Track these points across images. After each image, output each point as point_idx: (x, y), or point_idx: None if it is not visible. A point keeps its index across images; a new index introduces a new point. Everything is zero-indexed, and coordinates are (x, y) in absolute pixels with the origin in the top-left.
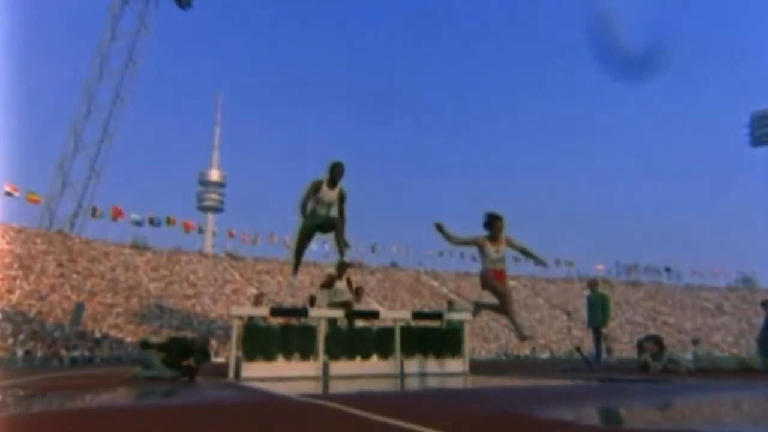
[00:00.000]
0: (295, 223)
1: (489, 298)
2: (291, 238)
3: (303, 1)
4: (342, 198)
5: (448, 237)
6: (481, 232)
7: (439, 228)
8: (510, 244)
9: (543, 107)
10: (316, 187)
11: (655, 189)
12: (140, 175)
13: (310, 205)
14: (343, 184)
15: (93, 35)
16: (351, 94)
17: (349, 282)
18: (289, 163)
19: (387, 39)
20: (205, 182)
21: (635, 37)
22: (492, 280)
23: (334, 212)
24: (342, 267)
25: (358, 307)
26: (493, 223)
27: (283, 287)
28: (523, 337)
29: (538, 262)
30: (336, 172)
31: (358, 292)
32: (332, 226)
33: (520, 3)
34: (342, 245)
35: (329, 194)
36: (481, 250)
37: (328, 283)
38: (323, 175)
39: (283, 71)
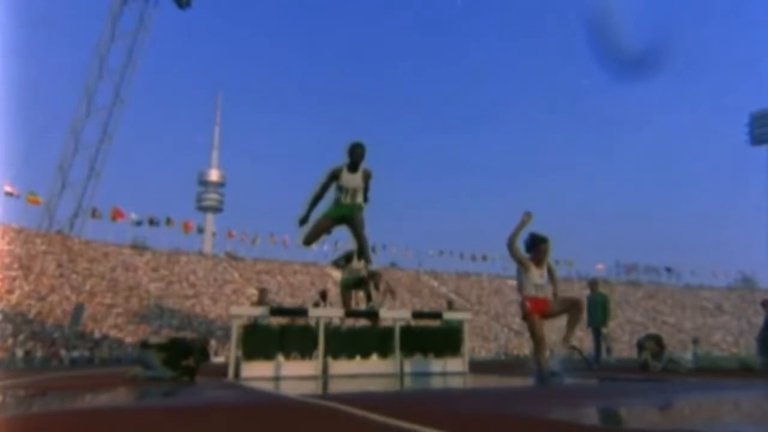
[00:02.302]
0: (295, 219)
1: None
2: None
3: (302, 1)
4: (367, 177)
5: (517, 234)
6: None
7: (527, 218)
8: (548, 268)
9: (542, 106)
10: (334, 175)
11: (655, 188)
12: (140, 175)
13: (334, 194)
14: (365, 164)
15: (93, 35)
16: (352, 93)
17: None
18: (289, 163)
19: (387, 36)
20: (204, 182)
21: (634, 36)
22: (531, 315)
23: (360, 199)
24: (363, 252)
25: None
26: (537, 245)
27: (282, 287)
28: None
29: (554, 291)
30: (356, 155)
31: (375, 277)
32: (354, 225)
33: (521, 3)
34: (366, 255)
35: (352, 179)
36: (525, 272)
37: (346, 258)
38: (343, 160)
39: (283, 71)
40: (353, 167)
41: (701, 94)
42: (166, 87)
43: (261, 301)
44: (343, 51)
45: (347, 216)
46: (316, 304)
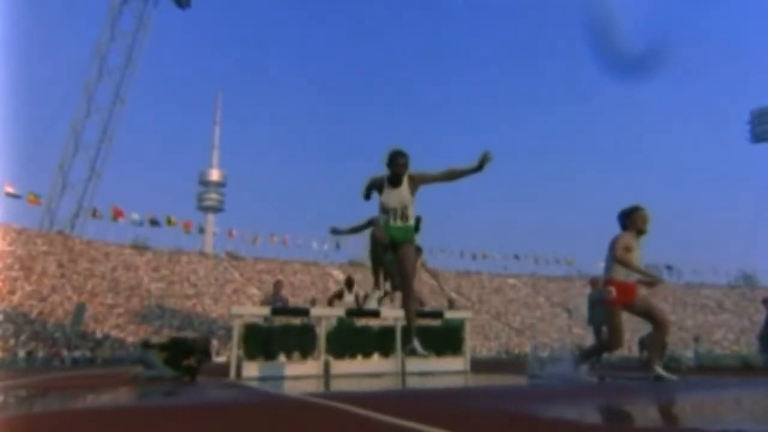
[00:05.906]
0: (296, 222)
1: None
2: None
3: (302, 1)
4: (414, 181)
5: (635, 272)
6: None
7: (658, 283)
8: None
9: (542, 104)
10: (375, 185)
11: (655, 186)
12: (140, 175)
13: (381, 218)
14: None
15: (93, 35)
16: (352, 92)
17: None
18: (289, 163)
19: (388, 34)
20: (205, 182)
21: (635, 35)
22: (614, 304)
23: (411, 221)
24: (405, 307)
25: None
26: (633, 214)
27: (284, 286)
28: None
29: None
30: (398, 166)
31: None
32: (401, 258)
33: (519, 3)
34: (409, 312)
35: (396, 197)
36: (629, 252)
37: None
38: (383, 172)
39: (283, 70)
40: (396, 181)
41: (702, 91)
42: (166, 87)
43: (275, 294)
44: (343, 50)
45: (398, 241)
46: (340, 294)
